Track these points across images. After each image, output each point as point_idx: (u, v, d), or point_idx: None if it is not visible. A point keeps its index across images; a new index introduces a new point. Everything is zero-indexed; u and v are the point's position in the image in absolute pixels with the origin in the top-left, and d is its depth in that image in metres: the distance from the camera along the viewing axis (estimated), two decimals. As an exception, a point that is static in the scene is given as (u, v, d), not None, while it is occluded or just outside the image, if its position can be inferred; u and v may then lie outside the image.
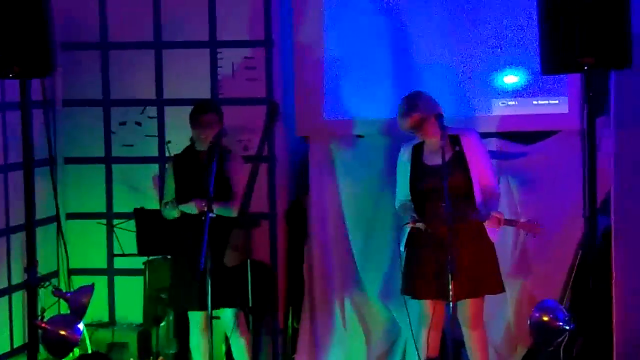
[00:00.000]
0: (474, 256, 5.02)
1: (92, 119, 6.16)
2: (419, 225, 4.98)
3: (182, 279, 5.32)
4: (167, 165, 5.55)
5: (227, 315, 5.40)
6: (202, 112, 5.36)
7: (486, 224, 5.03)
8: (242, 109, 5.99)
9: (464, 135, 5.11)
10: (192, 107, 5.41)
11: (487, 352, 5.19)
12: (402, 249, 5.11)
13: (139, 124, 6.14)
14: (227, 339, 5.63)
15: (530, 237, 5.36)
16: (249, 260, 5.52)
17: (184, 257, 5.31)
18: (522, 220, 5.27)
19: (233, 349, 5.51)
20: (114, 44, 6.13)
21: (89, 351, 5.73)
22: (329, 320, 6.00)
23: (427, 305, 5.10)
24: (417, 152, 5.14)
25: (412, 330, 5.10)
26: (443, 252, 4.78)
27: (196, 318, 5.37)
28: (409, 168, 5.13)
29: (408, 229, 5.06)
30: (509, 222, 5.17)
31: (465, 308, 5.06)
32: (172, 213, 5.35)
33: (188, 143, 5.44)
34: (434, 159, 5.04)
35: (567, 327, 4.89)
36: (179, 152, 5.50)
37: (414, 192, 5.09)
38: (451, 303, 4.75)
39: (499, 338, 5.81)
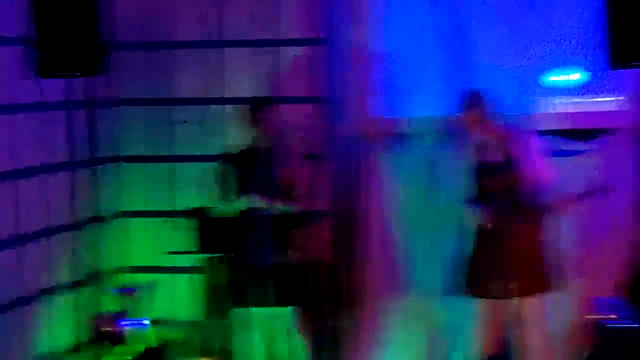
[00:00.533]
0: (534, 254, 5.01)
1: (155, 117, 6.22)
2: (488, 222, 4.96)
3: (242, 276, 5.36)
4: (227, 163, 5.60)
5: (287, 313, 5.44)
6: (261, 109, 5.40)
7: (558, 211, 4.96)
8: (297, 107, 6.01)
9: (521, 133, 5.10)
10: (250, 104, 5.45)
11: (548, 350, 5.18)
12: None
13: (200, 122, 6.22)
14: (286, 337, 5.67)
15: (584, 237, 5.25)
16: (308, 259, 5.54)
17: (244, 255, 5.34)
18: (589, 188, 5.12)
19: (292, 347, 5.54)
20: (177, 42, 6.19)
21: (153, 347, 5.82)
22: (386, 319, 6.01)
23: (486, 304, 5.10)
24: (476, 150, 5.14)
25: (474, 329, 5.10)
26: (502, 250, 4.79)
27: (257, 315, 5.41)
28: (469, 166, 5.13)
29: (474, 228, 5.06)
30: (583, 196, 5.04)
31: (526, 306, 5.05)
32: (235, 207, 5.38)
33: (248, 141, 5.48)
34: (492, 157, 5.04)
35: (630, 325, 4.86)
36: (239, 150, 5.54)
37: (475, 190, 5.09)
38: (511, 301, 4.75)
39: (558, 337, 5.78)
